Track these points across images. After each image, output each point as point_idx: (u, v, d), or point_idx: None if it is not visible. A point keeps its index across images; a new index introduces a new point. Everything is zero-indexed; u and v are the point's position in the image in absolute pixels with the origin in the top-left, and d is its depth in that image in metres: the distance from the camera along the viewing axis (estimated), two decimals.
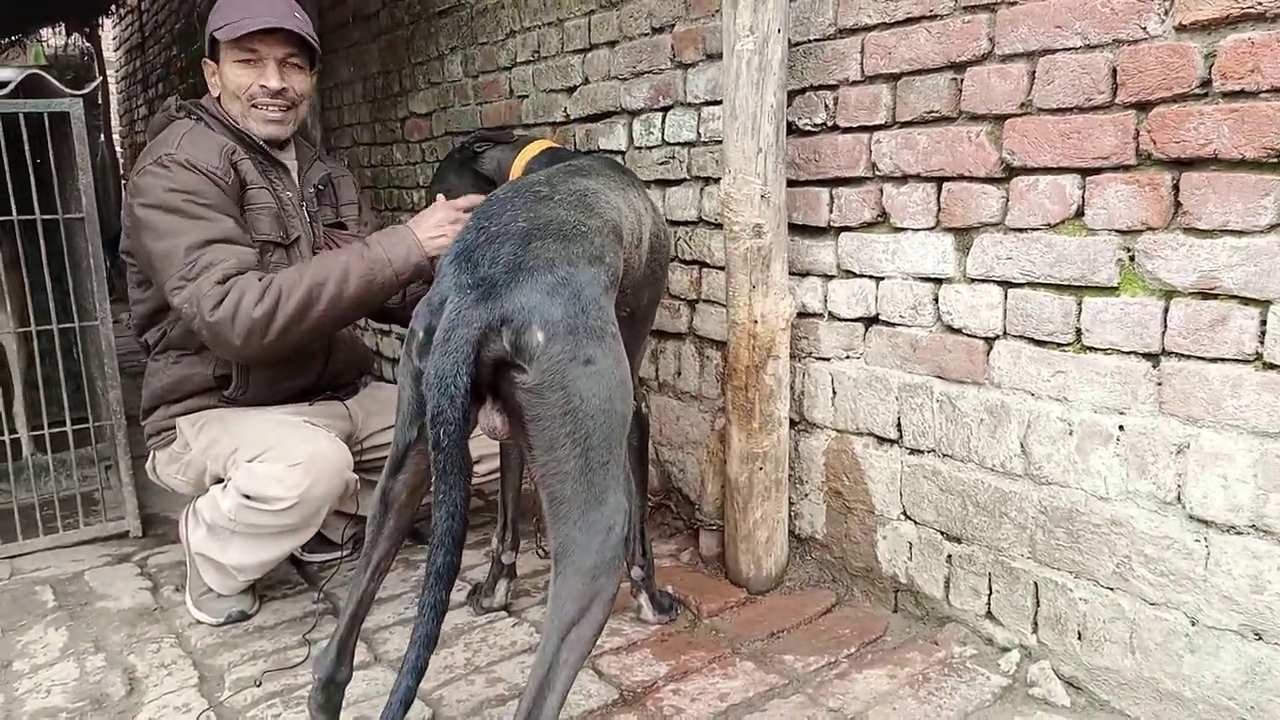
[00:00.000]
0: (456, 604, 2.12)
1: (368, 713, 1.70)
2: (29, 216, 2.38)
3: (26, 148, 2.32)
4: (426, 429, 1.23)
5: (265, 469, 1.89)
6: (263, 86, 2.05)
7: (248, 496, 1.90)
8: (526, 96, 2.99)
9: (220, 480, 2.01)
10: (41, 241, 2.41)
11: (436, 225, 2.01)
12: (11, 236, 2.40)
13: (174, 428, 2.13)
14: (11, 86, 2.32)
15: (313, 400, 2.22)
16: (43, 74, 2.35)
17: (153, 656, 1.95)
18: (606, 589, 1.28)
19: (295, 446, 1.92)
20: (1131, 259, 1.55)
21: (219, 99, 2.10)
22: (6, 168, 2.33)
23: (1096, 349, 1.61)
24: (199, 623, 2.07)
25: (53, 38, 8.19)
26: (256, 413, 2.09)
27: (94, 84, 2.36)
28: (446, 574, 1.26)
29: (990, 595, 1.82)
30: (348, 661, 1.53)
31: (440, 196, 2.11)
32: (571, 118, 2.79)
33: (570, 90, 2.78)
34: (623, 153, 2.61)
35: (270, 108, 2.07)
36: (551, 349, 1.23)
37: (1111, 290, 1.58)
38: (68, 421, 2.59)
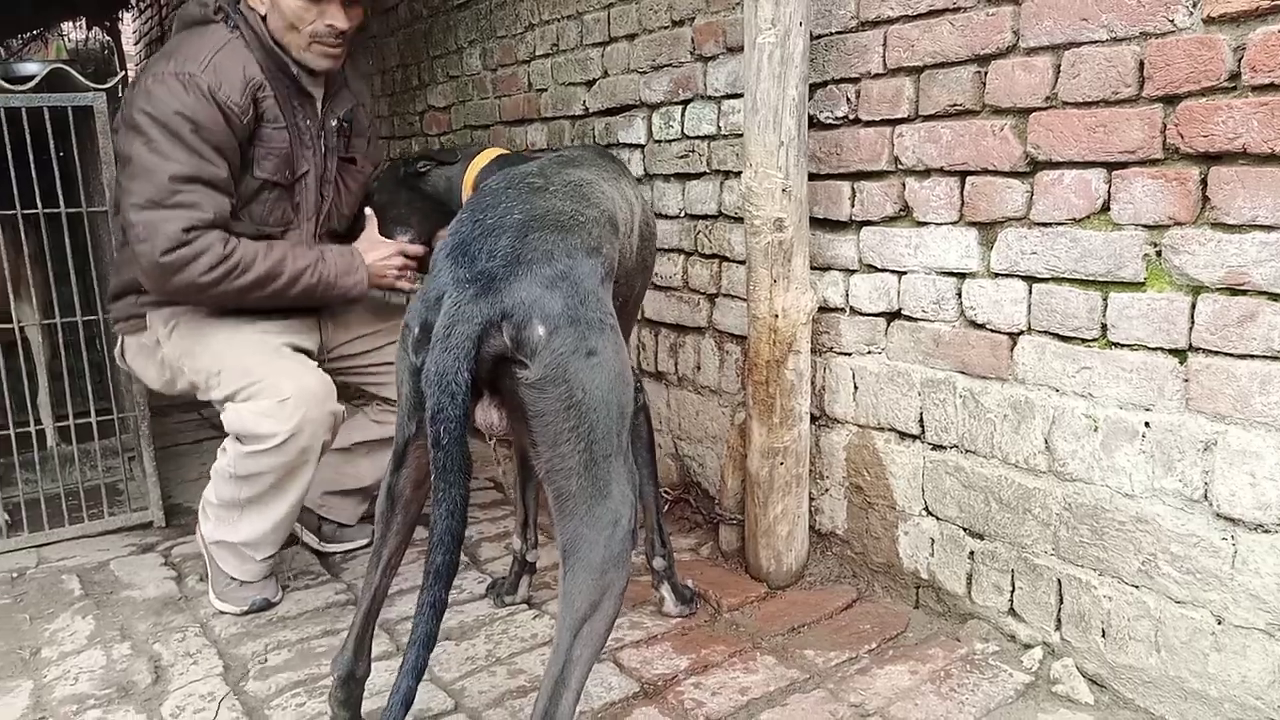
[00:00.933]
0: (477, 595, 2.13)
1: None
2: (53, 210, 2.39)
3: (51, 142, 2.34)
4: (425, 425, 1.21)
5: (254, 406, 1.93)
6: (330, 26, 2.01)
7: (241, 438, 1.95)
8: (545, 90, 2.99)
9: (198, 391, 2.09)
10: (66, 234, 2.43)
11: (385, 264, 2.14)
12: (36, 230, 2.42)
13: (143, 315, 2.12)
14: (36, 81, 2.34)
15: (287, 313, 2.17)
16: (66, 69, 2.36)
17: (178, 645, 1.96)
18: (616, 583, 1.28)
19: (281, 382, 1.95)
20: (1158, 254, 1.54)
21: (264, 17, 2.02)
22: (31, 161, 2.35)
23: (1122, 345, 1.60)
24: (223, 614, 2.09)
25: (73, 31, 8.25)
26: (230, 326, 2.05)
27: (116, 78, 2.38)
28: (446, 573, 1.24)
29: (1013, 592, 1.81)
30: (365, 657, 1.54)
31: (372, 218, 2.18)
32: (590, 111, 2.79)
33: (589, 83, 2.78)
34: (642, 146, 2.61)
35: (332, 45, 2.05)
36: (553, 343, 1.22)
37: (1138, 286, 1.57)
38: (92, 413, 2.62)
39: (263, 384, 1.95)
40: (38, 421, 2.79)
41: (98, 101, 2.40)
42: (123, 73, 2.35)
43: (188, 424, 3.64)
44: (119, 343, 2.23)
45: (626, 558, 1.30)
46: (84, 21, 7.65)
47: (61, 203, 2.39)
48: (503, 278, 1.23)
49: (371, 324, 2.32)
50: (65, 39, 8.33)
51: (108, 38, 8.28)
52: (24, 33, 6.19)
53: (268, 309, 2.07)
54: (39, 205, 2.38)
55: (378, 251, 2.14)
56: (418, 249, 2.17)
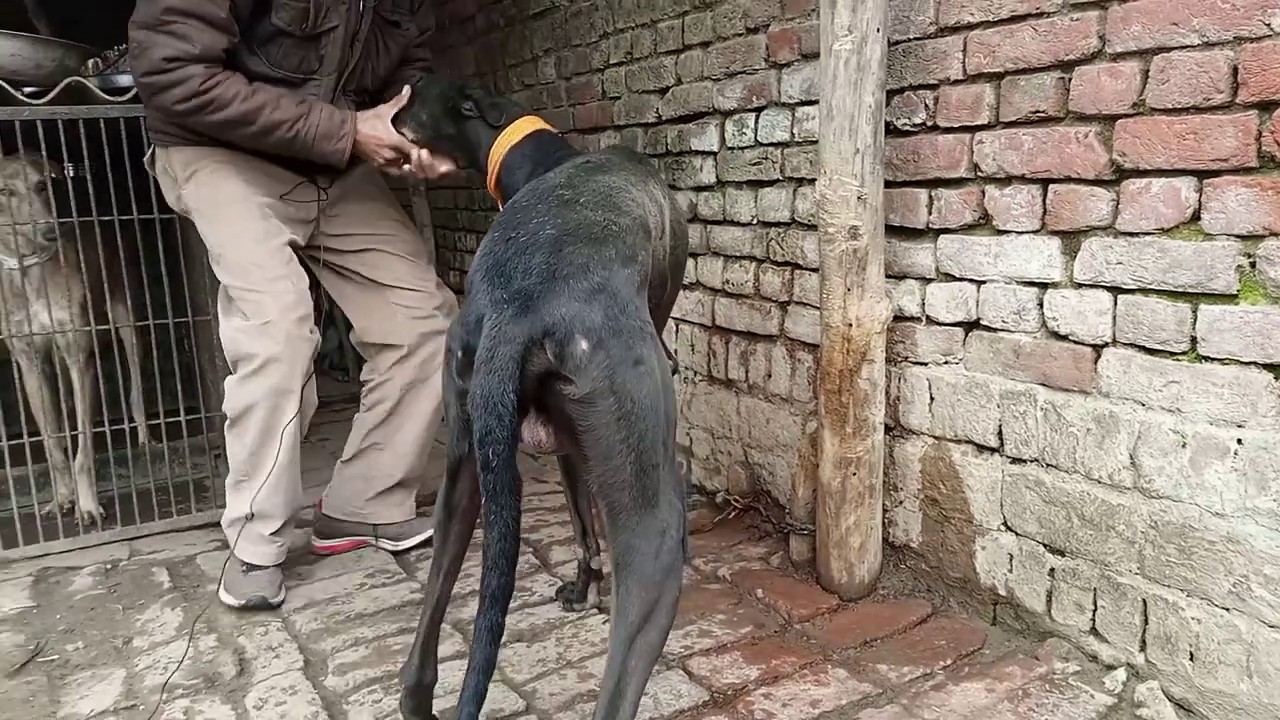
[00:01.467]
0: (548, 598, 2.16)
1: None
2: (148, 216, 2.50)
3: (147, 150, 2.44)
4: (474, 447, 1.20)
5: (240, 324, 2.10)
6: None
7: (232, 364, 2.13)
8: (619, 97, 3.01)
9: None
10: (159, 238, 2.53)
11: (377, 144, 2.13)
12: (130, 234, 2.53)
13: (167, 133, 2.19)
14: (133, 92, 2.44)
15: (294, 198, 2.26)
16: None
17: (260, 639, 2.03)
18: (669, 594, 1.27)
19: (266, 303, 2.09)
20: (1252, 265, 1.49)
21: None
22: (128, 168, 2.45)
23: (1213, 359, 1.55)
24: (227, 606, 2.16)
25: None
26: (242, 203, 2.15)
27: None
28: (502, 596, 1.23)
29: (1095, 611, 1.76)
30: (431, 664, 1.55)
31: (401, 98, 2.15)
32: (663, 118, 2.80)
33: (662, 91, 2.79)
34: (714, 153, 2.61)
35: None
36: (598, 356, 1.20)
37: (1230, 298, 1.52)
38: (181, 411, 2.72)
39: (250, 298, 2.10)
40: (130, 419, 2.90)
41: None
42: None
43: None
44: (150, 151, 2.30)
45: (678, 567, 1.29)
46: None
47: (155, 208, 2.48)
48: (541, 295, 1.21)
49: (365, 226, 2.38)
50: None
51: None
52: (120, 44, 6.48)
53: (274, 186, 2.21)
54: (134, 210, 2.48)
55: (374, 128, 2.13)
56: (412, 153, 2.15)
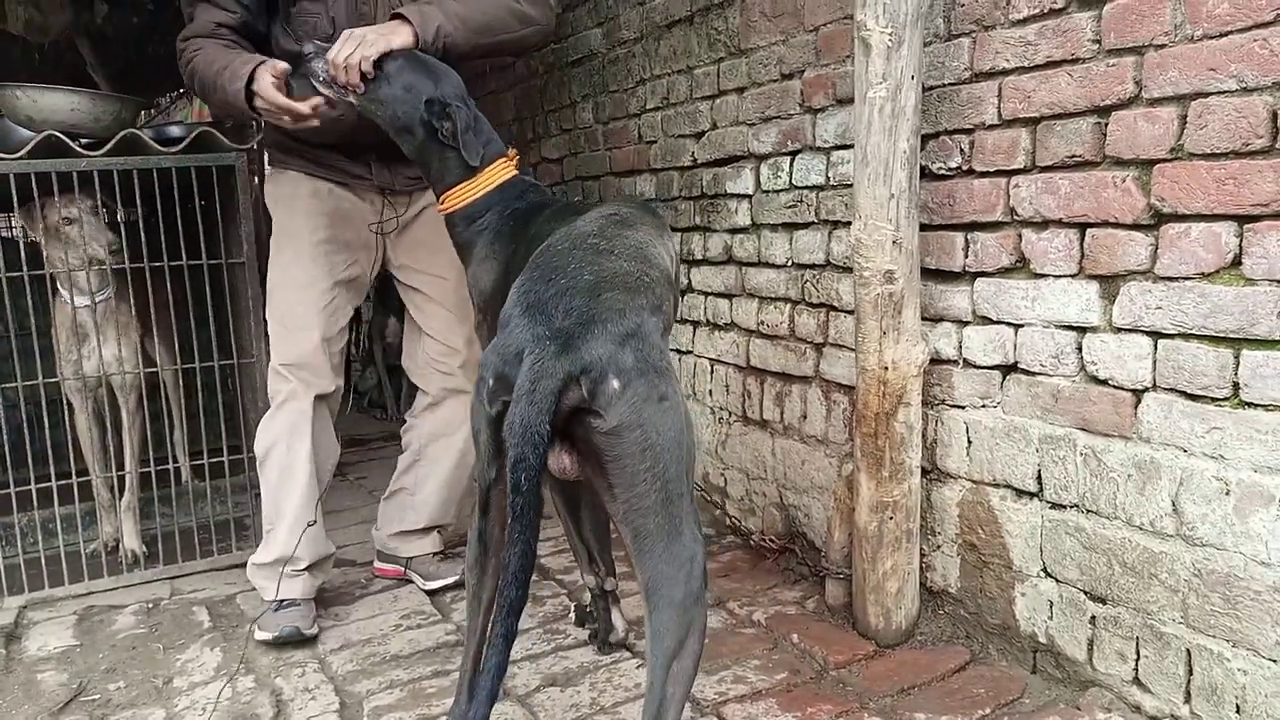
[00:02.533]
0: (581, 641, 2.15)
1: None
2: (197, 261, 2.56)
3: (197, 199, 2.52)
4: (505, 471, 1.29)
5: (272, 365, 2.26)
6: None
7: (269, 396, 2.28)
8: (655, 141, 3.05)
9: None
10: (207, 283, 2.59)
11: (270, 98, 1.95)
12: (179, 278, 2.59)
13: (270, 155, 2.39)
14: (185, 143, 2.52)
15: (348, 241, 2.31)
16: (213, 131, 2.53)
17: (297, 680, 2.04)
18: (699, 618, 1.36)
19: (287, 349, 2.23)
20: None
21: None
22: (179, 215, 2.52)
23: (1256, 405, 1.53)
24: (260, 642, 2.19)
25: None
26: (293, 246, 2.26)
27: (258, 137, 2.54)
28: (519, 607, 1.32)
29: (1138, 660, 1.73)
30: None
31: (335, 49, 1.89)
32: (699, 162, 2.84)
33: (698, 135, 2.83)
34: (749, 196, 2.63)
35: None
36: (627, 393, 1.30)
37: (1273, 344, 1.50)
38: (224, 450, 2.77)
39: (279, 340, 2.26)
40: (174, 459, 2.96)
41: (239, 161, 2.57)
42: (260, 134, 2.50)
43: None
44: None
45: (705, 594, 1.37)
46: None
47: (204, 254, 2.55)
48: (579, 335, 1.31)
49: (419, 262, 2.41)
50: None
51: None
52: (173, 91, 6.69)
53: (339, 218, 2.29)
54: (184, 257, 2.55)
55: (269, 86, 1.96)
56: (299, 112, 1.96)
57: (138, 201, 2.47)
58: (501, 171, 1.89)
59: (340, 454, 2.43)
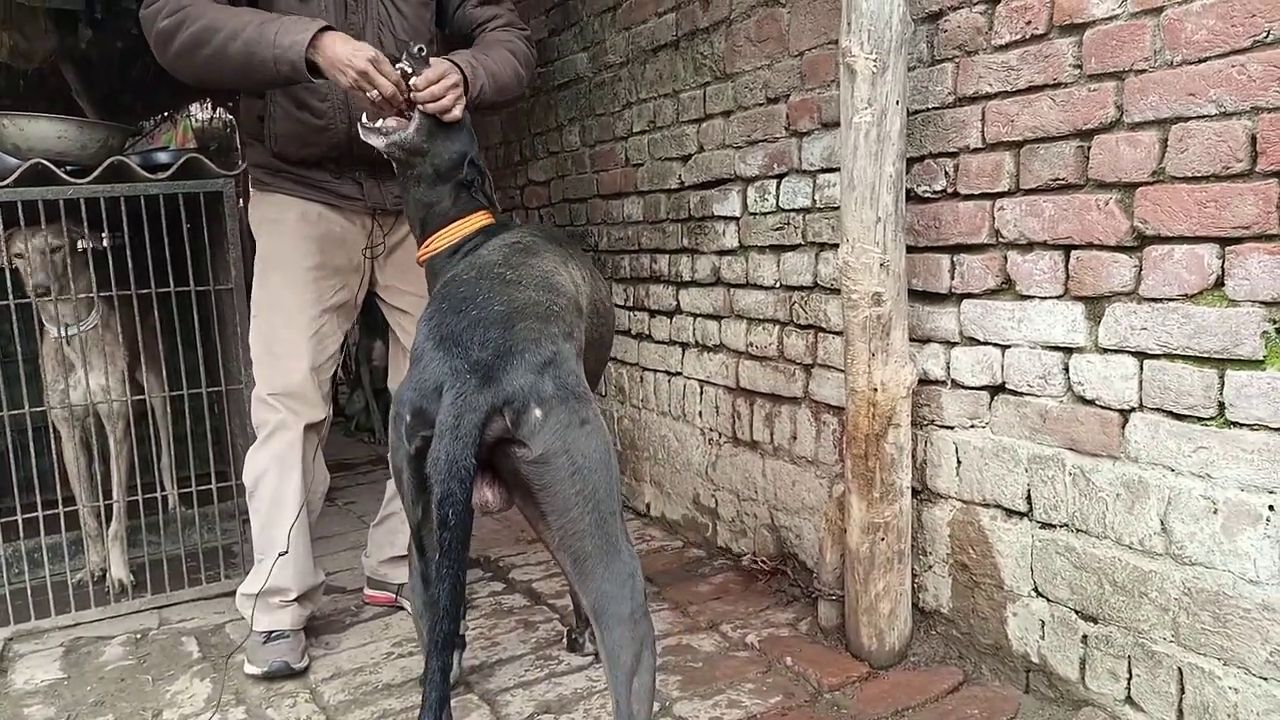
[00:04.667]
0: (575, 667, 2.15)
1: None
2: (185, 288, 2.56)
3: (184, 225, 2.51)
4: (432, 508, 1.28)
5: (258, 394, 2.22)
6: None
7: (256, 429, 2.24)
8: (642, 164, 3.07)
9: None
10: (194, 309, 2.59)
11: (348, 61, 1.81)
12: (166, 304, 2.58)
13: (253, 176, 2.29)
14: (174, 169, 2.52)
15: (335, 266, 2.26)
16: (201, 158, 2.54)
17: (289, 711, 2.03)
18: (648, 631, 1.39)
19: (275, 377, 2.20)
20: (1278, 331, 1.49)
21: None
22: (166, 242, 2.52)
23: (1242, 424, 1.54)
24: (250, 676, 2.17)
25: (199, 111, 8.81)
26: (282, 272, 2.22)
27: (242, 167, 2.54)
28: (451, 640, 1.32)
29: (1130, 679, 1.74)
30: None
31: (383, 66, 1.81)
32: (686, 184, 2.85)
33: (685, 158, 2.85)
34: (737, 219, 2.65)
35: None
36: (549, 421, 1.32)
37: (1257, 364, 1.52)
38: (213, 476, 2.75)
39: (265, 368, 2.22)
40: (161, 487, 2.94)
41: (227, 187, 2.57)
42: (244, 164, 2.49)
43: None
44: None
45: (647, 607, 1.40)
46: (209, 102, 8.18)
47: (191, 280, 2.55)
48: (498, 367, 1.32)
49: (406, 284, 2.36)
50: (192, 118, 8.90)
51: (229, 115, 8.83)
52: (157, 114, 6.68)
53: (328, 242, 2.23)
54: (171, 283, 2.55)
55: (348, 49, 1.84)
56: (390, 77, 1.81)
57: (124, 227, 2.46)
58: (480, 220, 1.86)
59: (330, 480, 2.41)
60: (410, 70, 1.81)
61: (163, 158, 2.77)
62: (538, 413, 1.32)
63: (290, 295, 2.23)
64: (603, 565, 1.36)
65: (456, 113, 1.85)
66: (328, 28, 1.89)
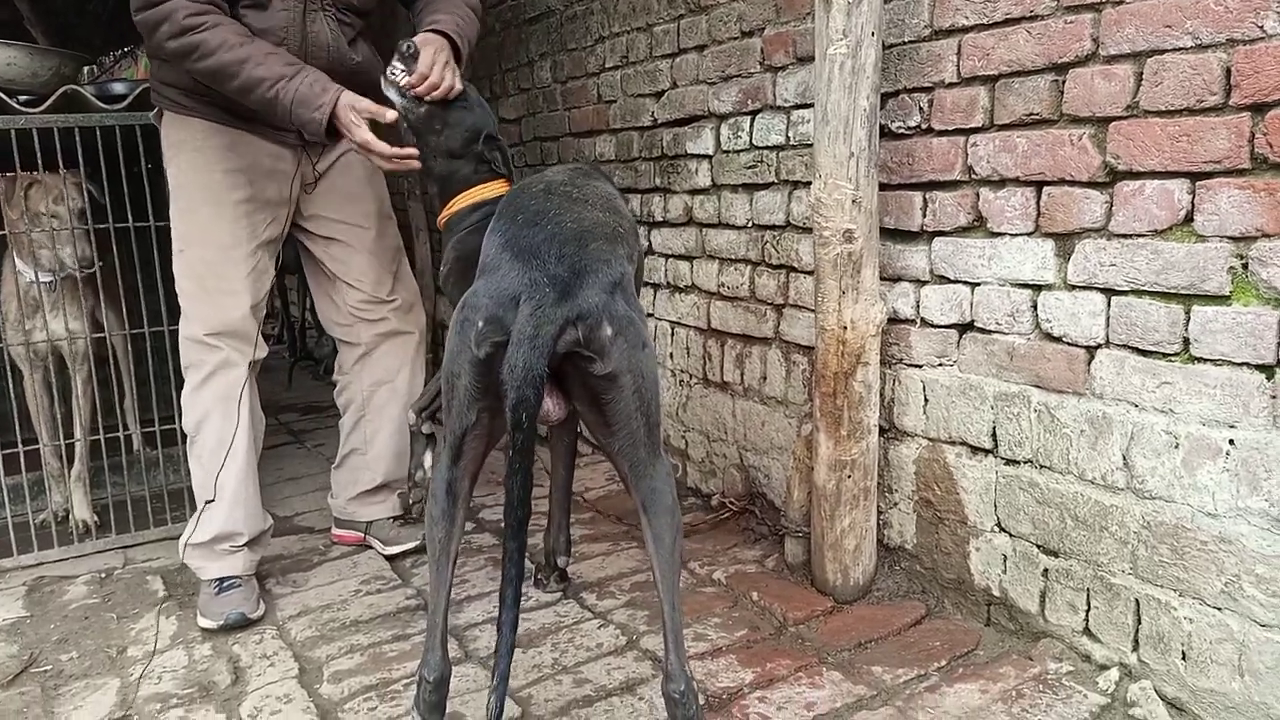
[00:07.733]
0: (544, 603, 2.16)
1: (458, 708, 1.74)
2: (143, 223, 2.49)
3: (142, 157, 2.44)
4: (507, 413, 1.34)
5: (187, 329, 2.16)
6: None
7: (185, 371, 2.19)
8: (614, 101, 3.01)
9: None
10: (155, 247, 2.53)
11: (357, 119, 1.95)
12: (124, 241, 2.52)
13: (161, 94, 2.18)
14: (129, 100, 2.44)
15: (267, 199, 2.20)
16: None
17: (255, 647, 2.02)
18: (680, 517, 1.53)
19: (210, 315, 2.14)
20: (1244, 267, 1.49)
21: None
22: (123, 176, 2.45)
23: (1205, 360, 1.55)
24: (204, 630, 2.10)
25: None
26: (214, 201, 2.13)
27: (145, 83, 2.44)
28: (525, 522, 1.43)
29: (1089, 611, 1.77)
30: (448, 657, 1.57)
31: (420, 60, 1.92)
32: (659, 122, 2.81)
33: (658, 95, 2.80)
34: (710, 156, 2.61)
35: None
36: (619, 340, 1.40)
37: (1222, 299, 1.52)
38: (176, 418, 2.71)
39: (200, 308, 2.15)
40: (125, 427, 2.90)
41: None
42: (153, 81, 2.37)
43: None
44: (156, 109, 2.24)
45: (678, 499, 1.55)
46: None
47: (151, 216, 2.48)
48: (575, 283, 1.38)
49: (335, 212, 2.31)
50: None
51: None
52: (117, 50, 6.48)
53: (256, 174, 2.17)
54: (129, 219, 2.48)
55: (359, 111, 1.96)
56: (386, 118, 1.96)
57: (80, 162, 2.39)
58: (498, 187, 1.99)
59: (294, 421, 2.39)
60: (403, 69, 1.92)
61: (119, 88, 2.67)
62: (609, 330, 1.38)
63: (222, 229, 2.13)
64: (652, 468, 1.47)
65: (457, 85, 1.96)
66: (340, 97, 1.96)
